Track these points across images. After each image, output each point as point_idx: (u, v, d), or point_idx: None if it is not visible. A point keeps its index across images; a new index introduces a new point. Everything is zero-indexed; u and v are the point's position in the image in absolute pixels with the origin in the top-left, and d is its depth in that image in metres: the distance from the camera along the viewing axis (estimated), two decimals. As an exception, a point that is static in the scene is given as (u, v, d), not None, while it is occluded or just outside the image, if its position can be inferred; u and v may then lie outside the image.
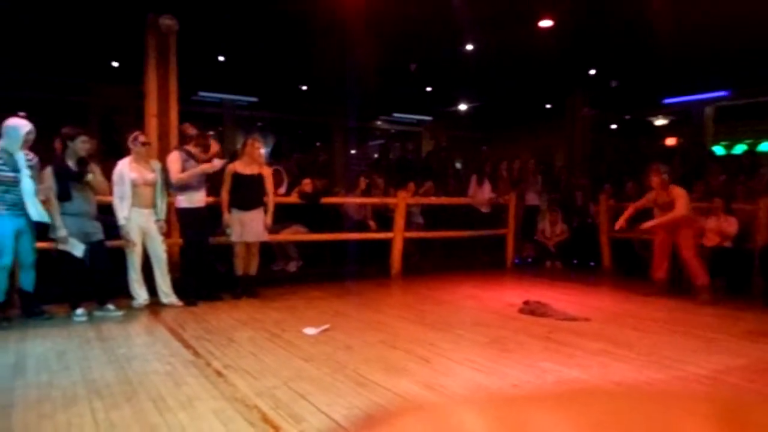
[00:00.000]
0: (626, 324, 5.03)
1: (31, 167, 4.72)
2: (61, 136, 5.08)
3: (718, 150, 11.87)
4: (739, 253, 6.51)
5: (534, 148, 12.46)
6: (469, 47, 8.80)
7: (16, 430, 2.72)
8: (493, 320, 5.16)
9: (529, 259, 9.14)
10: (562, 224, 8.84)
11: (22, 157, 4.66)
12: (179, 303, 5.53)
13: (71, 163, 4.99)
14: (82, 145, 5.03)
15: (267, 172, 6.21)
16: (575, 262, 8.81)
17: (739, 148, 12.04)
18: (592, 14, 7.22)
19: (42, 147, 5.13)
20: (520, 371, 3.67)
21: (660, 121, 13.85)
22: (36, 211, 4.65)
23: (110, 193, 5.32)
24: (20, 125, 4.65)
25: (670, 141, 12.96)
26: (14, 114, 5.05)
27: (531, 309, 5.40)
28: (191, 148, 5.74)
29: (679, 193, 6.06)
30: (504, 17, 7.23)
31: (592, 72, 10.44)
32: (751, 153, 10.72)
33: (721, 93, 11.62)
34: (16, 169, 4.62)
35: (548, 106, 13.14)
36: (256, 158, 6.07)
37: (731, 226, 6.66)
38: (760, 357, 4.04)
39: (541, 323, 4.99)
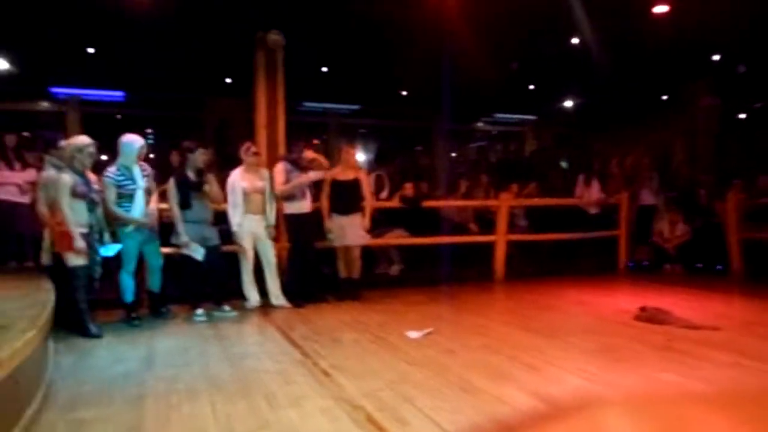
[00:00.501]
0: (762, 334, 4.53)
1: (146, 177, 5.15)
2: (180, 149, 5.53)
3: None
4: None
5: (649, 144, 11.62)
6: (575, 41, 8.42)
7: (148, 418, 2.97)
8: (605, 327, 4.86)
9: (645, 263, 8.52)
10: (683, 225, 8.16)
11: (139, 170, 5.11)
12: (288, 304, 5.78)
13: (191, 174, 5.40)
14: (200, 157, 5.44)
15: (364, 177, 6.35)
16: (699, 265, 8.09)
17: None
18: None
19: (163, 160, 5.59)
20: (636, 382, 3.41)
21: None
22: (139, 211, 5.02)
23: (225, 201, 5.69)
24: (134, 141, 5.10)
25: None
26: (141, 131, 5.54)
27: (648, 316, 5.02)
28: (297, 157, 5.97)
29: None
30: (614, 5, 6.83)
31: (716, 57, 9.55)
32: None
33: None
34: (134, 183, 5.06)
35: (664, 97, 12.22)
36: (351, 164, 6.24)
37: None
38: None
39: (659, 331, 4.63)
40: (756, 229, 7.64)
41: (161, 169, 5.99)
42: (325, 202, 6.11)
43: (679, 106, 10.96)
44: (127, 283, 5.10)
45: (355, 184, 6.16)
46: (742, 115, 13.23)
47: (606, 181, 8.58)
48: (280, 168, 5.91)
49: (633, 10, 7.14)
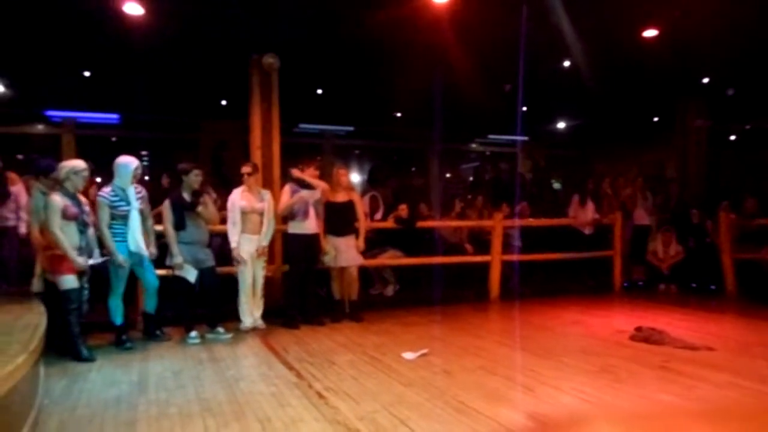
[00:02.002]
0: (757, 354, 4.53)
1: (140, 199, 5.15)
2: (176, 171, 5.54)
3: None
4: None
5: (642, 164, 11.72)
6: (567, 63, 8.54)
7: (138, 443, 2.92)
8: (601, 348, 4.85)
9: (640, 283, 8.53)
10: (676, 245, 8.20)
11: (133, 192, 5.10)
12: (263, 326, 5.76)
13: (186, 195, 5.40)
14: (195, 178, 5.45)
15: (357, 198, 6.39)
16: (693, 285, 8.11)
17: None
18: (701, 19, 6.75)
19: (158, 182, 5.59)
20: (633, 403, 3.40)
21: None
22: (135, 243, 5.01)
23: (220, 222, 5.69)
24: (129, 162, 5.10)
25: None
26: (136, 153, 5.56)
27: (644, 336, 5.02)
28: (300, 176, 5.98)
29: None
30: (603, 30, 6.96)
31: (705, 80, 9.71)
32: None
33: None
34: (129, 204, 5.05)
35: (656, 119, 12.37)
36: (344, 185, 6.25)
37: None
38: None
39: (655, 352, 4.62)
40: (745, 249, 7.69)
41: (154, 192, 5.99)
42: (320, 224, 6.12)
43: (671, 127, 11.09)
44: (116, 305, 5.05)
45: (348, 206, 6.18)
46: (733, 137, 13.41)
47: (600, 202, 8.63)
48: (285, 189, 5.96)
49: (624, 34, 7.26)
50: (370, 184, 9.98)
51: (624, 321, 5.71)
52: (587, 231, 8.53)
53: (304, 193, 5.86)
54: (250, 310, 5.76)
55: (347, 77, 9.08)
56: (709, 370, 4.07)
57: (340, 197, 6.18)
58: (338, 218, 6.13)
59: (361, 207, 6.45)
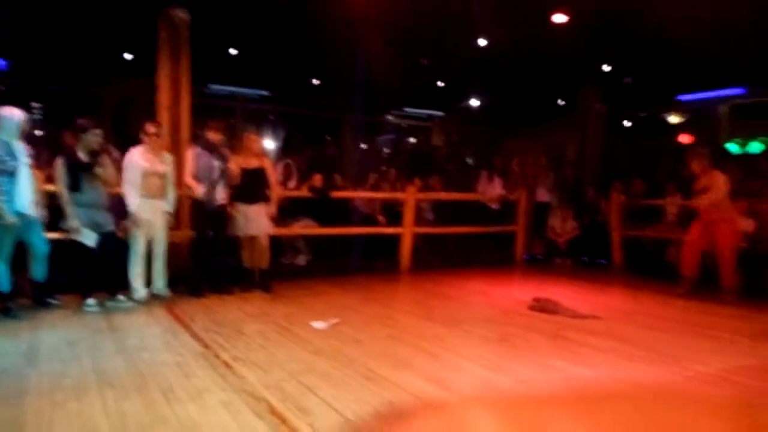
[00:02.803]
0: (636, 322, 5.00)
1: (29, 158, 4.74)
2: (74, 128, 5.12)
3: (733, 148, 11.73)
4: (755, 255, 6.43)
5: (546, 145, 12.37)
6: (482, 42, 8.76)
7: (29, 417, 2.75)
8: (502, 317, 5.14)
9: (539, 256, 9.10)
10: (573, 221, 8.79)
11: (21, 146, 4.69)
12: (172, 295, 5.56)
13: (83, 155, 5.03)
14: (93, 138, 5.06)
15: (268, 164, 6.21)
16: (585, 259, 8.76)
17: (754, 147, 11.89)
18: (606, 10, 7.15)
19: (55, 138, 5.16)
20: (528, 368, 3.65)
21: (674, 119, 13.69)
22: (25, 203, 4.63)
23: (119, 184, 5.34)
24: (14, 114, 4.66)
25: (684, 139, 12.82)
26: (26, 105, 5.08)
27: (541, 306, 5.37)
28: (214, 136, 5.72)
29: (718, 178, 5.91)
30: (517, 12, 7.18)
31: (606, 68, 10.33)
32: None
33: (738, 90, 11.46)
34: (16, 159, 4.63)
35: (561, 102, 13.04)
36: (255, 151, 6.06)
37: (749, 227, 6.58)
38: (773, 358, 4.00)
39: (550, 320, 4.97)
40: (631, 227, 8.39)
41: (52, 149, 5.50)
42: (229, 191, 5.91)
43: (574, 111, 11.76)
44: (1, 270, 4.66)
45: (259, 172, 6.01)
46: (628, 123, 14.45)
47: (507, 179, 9.03)
48: (190, 153, 5.66)
49: (535, 18, 7.54)
50: (284, 151, 9.80)
51: (523, 292, 6.08)
52: (494, 206, 8.92)
53: (197, 190, 5.56)
54: (144, 279, 5.48)
55: (263, 39, 8.76)
56: (596, 337, 4.44)
57: (251, 163, 5.98)
58: (248, 185, 5.93)
59: (273, 174, 6.29)
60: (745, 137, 12.20)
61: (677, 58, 8.87)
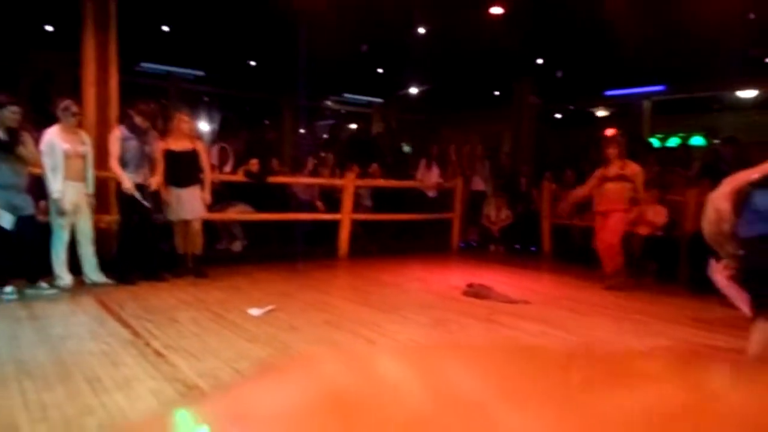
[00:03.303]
0: (563, 307, 5.25)
1: None
2: None
3: (654, 142, 12.45)
4: (669, 242, 6.87)
5: (482, 134, 12.68)
6: (421, 30, 8.82)
7: (-63, 413, 2.57)
8: (437, 302, 5.26)
9: (474, 243, 9.35)
10: (506, 210, 9.07)
11: None
12: (106, 280, 5.33)
13: (0, 133, 4.69)
14: (11, 115, 4.73)
15: (201, 147, 6.01)
16: (517, 247, 9.08)
17: (673, 141, 12.67)
18: (541, 3, 7.37)
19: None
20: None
21: (601, 113, 14.36)
22: None
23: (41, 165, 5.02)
24: None
25: (610, 132, 13.46)
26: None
27: (474, 292, 5.53)
28: (139, 120, 5.46)
29: (638, 170, 6.05)
30: (455, 1, 7.27)
31: (540, 61, 10.66)
32: (684, 146, 11.30)
33: (659, 87, 12.15)
34: None
35: (497, 93, 13.36)
36: (186, 133, 5.85)
37: (660, 215, 6.99)
38: (683, 338, 4.31)
39: (483, 305, 5.13)
40: (560, 216, 8.76)
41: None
42: (160, 174, 5.69)
43: (508, 102, 12.08)
44: None
45: (192, 155, 5.81)
46: (559, 115, 15.02)
47: (444, 167, 9.19)
48: (115, 135, 5.38)
49: (472, 8, 7.66)
50: (220, 134, 9.53)
51: (458, 278, 6.23)
52: (431, 194, 9.07)
53: (126, 184, 5.35)
54: (68, 265, 5.20)
55: (198, 16, 8.43)
56: (526, 320, 4.63)
57: (182, 145, 5.77)
58: (180, 168, 5.72)
59: (206, 157, 6.10)
60: (666, 132, 12.99)
61: (606, 54, 9.27)
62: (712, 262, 2.75)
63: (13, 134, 4.74)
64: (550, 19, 7.92)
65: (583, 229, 8.50)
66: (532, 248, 8.98)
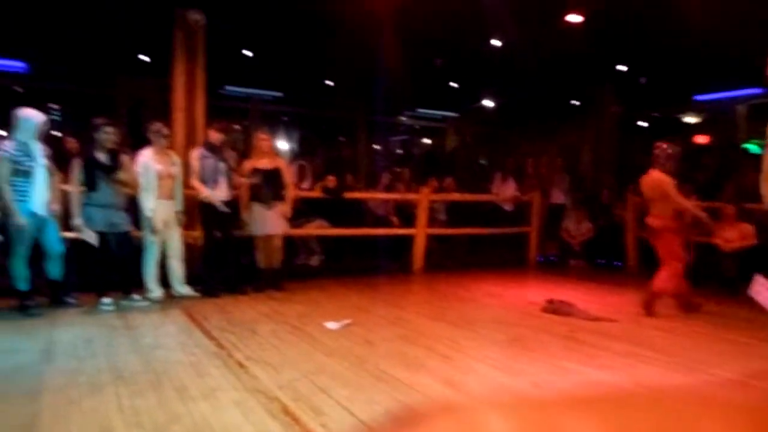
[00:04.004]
0: (653, 326, 4.94)
1: (45, 156, 4.81)
2: (88, 128, 5.18)
3: (752, 148, 11.56)
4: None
5: (560, 145, 12.28)
6: (496, 43, 8.73)
7: (44, 414, 2.79)
8: (514, 318, 5.11)
9: (553, 258, 9.03)
10: (587, 223, 8.71)
11: (38, 147, 4.75)
12: (193, 293, 5.61)
13: (101, 155, 5.08)
14: (105, 135, 5.09)
15: (283, 165, 6.22)
16: (600, 261, 8.67)
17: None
18: (621, 9, 7.08)
19: (70, 136, 5.21)
20: (541, 370, 3.62)
21: (690, 119, 13.52)
22: (40, 203, 4.69)
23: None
24: (33, 116, 4.74)
25: (701, 139, 12.66)
26: (45, 106, 5.15)
27: (554, 308, 5.32)
28: (215, 136, 5.75)
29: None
30: (531, 12, 7.14)
31: (621, 68, 10.24)
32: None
33: (755, 90, 11.28)
34: (33, 160, 4.70)
35: (575, 102, 12.94)
36: (266, 151, 6.07)
37: (745, 232, 6.51)
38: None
39: (563, 322, 4.92)
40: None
41: (61, 153, 5.59)
42: (245, 190, 5.95)
43: (588, 111, 11.66)
44: (20, 269, 4.73)
45: (274, 173, 6.04)
46: (643, 123, 14.30)
47: (521, 180, 8.98)
48: (195, 154, 5.70)
49: (549, 17, 7.50)
50: (299, 152, 9.84)
51: (536, 293, 6.03)
52: (508, 207, 8.88)
53: (210, 194, 5.60)
54: (159, 278, 5.53)
55: (278, 41, 8.80)
56: (610, 339, 4.39)
57: (265, 163, 6.00)
58: (263, 185, 5.96)
59: (288, 174, 6.30)
60: (763, 139, 12.02)
61: (694, 57, 8.76)
62: (759, 278, 2.47)
63: (114, 157, 5.12)
64: (630, 23, 7.59)
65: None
66: (617, 263, 8.55)
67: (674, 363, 3.82)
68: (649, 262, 8.12)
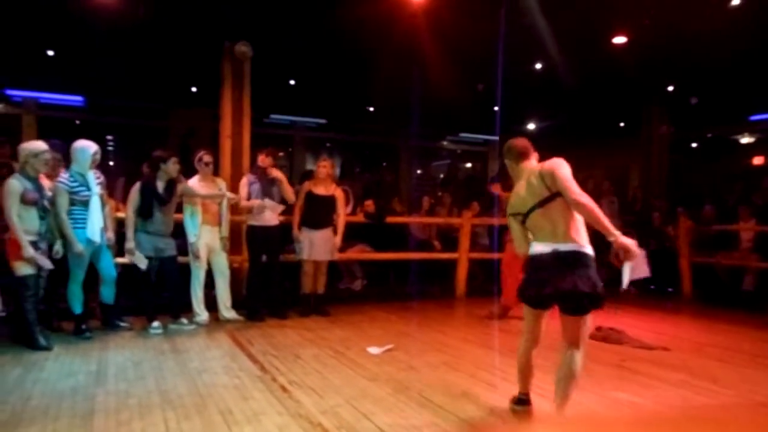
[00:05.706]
0: (710, 355, 4.70)
1: (99, 184, 5.02)
2: (151, 159, 5.39)
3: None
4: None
5: (608, 168, 11.99)
6: (538, 66, 8.67)
7: (95, 435, 2.86)
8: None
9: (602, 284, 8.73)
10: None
11: (93, 177, 4.97)
12: (239, 318, 5.69)
13: (160, 185, 5.27)
14: (173, 166, 5.30)
15: (339, 194, 6.24)
16: (652, 287, 8.35)
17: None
18: (669, 28, 6.93)
19: (129, 168, 5.42)
20: (591, 400, 3.49)
21: (746, 140, 12.99)
22: (95, 231, 4.87)
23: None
24: (87, 147, 4.96)
25: (758, 160, 12.12)
26: (101, 138, 5.39)
27: (603, 335, 5.15)
28: (263, 161, 5.88)
29: None
30: (575, 35, 7.07)
31: (670, 88, 9.98)
32: None
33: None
34: (89, 189, 4.92)
35: (622, 124, 12.66)
36: (323, 177, 6.15)
37: None
38: None
39: (614, 351, 4.75)
40: (701, 254, 7.95)
41: (128, 179, 5.83)
42: (297, 213, 6.04)
43: (636, 133, 11.38)
44: (75, 293, 4.91)
45: (329, 200, 6.10)
46: (695, 144, 13.83)
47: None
48: (243, 181, 5.86)
49: (594, 39, 7.41)
50: (341, 177, 9.96)
51: (585, 320, 5.83)
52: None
53: (267, 203, 5.75)
54: (205, 303, 5.64)
55: (320, 69, 9.01)
56: (664, 369, 4.20)
57: (321, 190, 6.08)
58: (317, 211, 6.04)
59: (343, 203, 6.29)
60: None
61: (747, 75, 8.45)
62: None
63: (171, 187, 5.30)
64: (680, 42, 7.41)
65: (731, 267, 7.66)
66: (669, 289, 8.21)
67: (733, 395, 3.62)
68: (703, 289, 7.79)
